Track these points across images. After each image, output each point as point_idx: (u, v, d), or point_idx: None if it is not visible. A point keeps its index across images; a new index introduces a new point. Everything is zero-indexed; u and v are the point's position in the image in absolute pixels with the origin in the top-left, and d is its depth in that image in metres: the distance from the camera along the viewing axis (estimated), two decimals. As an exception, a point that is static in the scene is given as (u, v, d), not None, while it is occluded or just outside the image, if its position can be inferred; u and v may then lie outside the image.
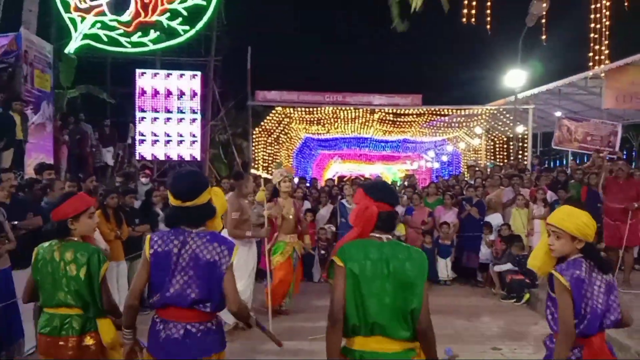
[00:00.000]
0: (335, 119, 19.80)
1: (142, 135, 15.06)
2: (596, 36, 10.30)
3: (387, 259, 2.47)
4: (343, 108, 17.99)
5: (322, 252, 9.47)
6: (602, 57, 10.68)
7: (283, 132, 20.44)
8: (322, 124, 20.38)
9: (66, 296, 3.04)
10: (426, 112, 18.31)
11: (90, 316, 3.08)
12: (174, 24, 15.20)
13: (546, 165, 17.35)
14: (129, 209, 7.10)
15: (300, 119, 19.53)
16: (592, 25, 10.23)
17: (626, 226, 7.60)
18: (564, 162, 25.14)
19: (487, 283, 8.91)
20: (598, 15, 10.44)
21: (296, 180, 14.68)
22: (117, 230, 6.55)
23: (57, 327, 3.06)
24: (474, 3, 10.53)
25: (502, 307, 7.54)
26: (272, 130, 19.46)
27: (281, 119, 19.08)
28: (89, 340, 3.07)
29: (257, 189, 6.57)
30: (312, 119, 19.55)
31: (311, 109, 18.17)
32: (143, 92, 14.99)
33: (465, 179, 12.77)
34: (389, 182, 3.70)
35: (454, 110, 18.96)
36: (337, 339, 2.49)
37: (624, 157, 16.76)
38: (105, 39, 15.09)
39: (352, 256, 2.48)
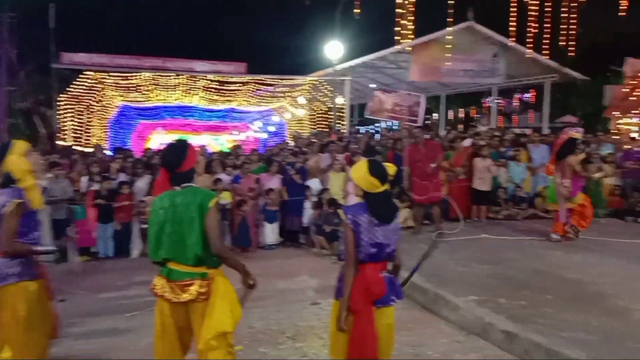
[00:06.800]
0: (155, 86, 18.66)
1: None
2: (403, 12, 11.05)
3: (175, 204, 3.24)
4: (163, 74, 17.01)
5: (144, 226, 8.94)
6: (408, 32, 11.51)
7: (95, 100, 18.63)
8: (140, 91, 19.01)
9: None
10: (251, 80, 18.23)
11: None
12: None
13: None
14: None
15: (115, 85, 17.98)
16: (399, 0, 10.94)
17: (432, 185, 8.76)
18: (379, 130, 27.27)
19: (308, 244, 9.30)
20: (404, -9, 11.21)
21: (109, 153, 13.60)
22: None
23: None
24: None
25: (320, 266, 7.92)
26: (82, 97, 17.61)
27: (92, 84, 17.35)
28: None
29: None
30: (128, 85, 18.11)
31: (127, 74, 16.84)
32: None
33: (289, 147, 13.12)
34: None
35: (278, 80, 19.19)
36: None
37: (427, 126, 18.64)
38: None
39: (153, 206, 3.34)
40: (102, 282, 7.26)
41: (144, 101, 20.68)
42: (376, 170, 3.27)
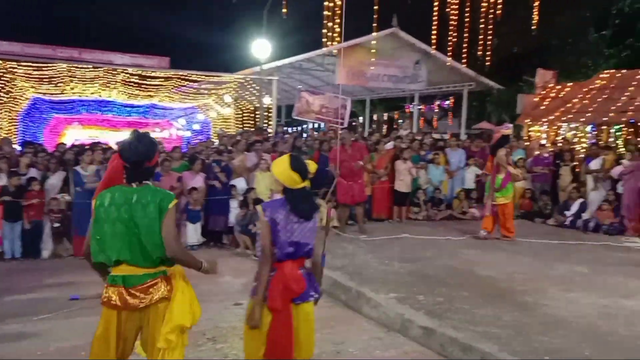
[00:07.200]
0: (71, 78, 17.62)
1: None
2: (330, 14, 11.16)
3: (129, 202, 2.91)
4: (79, 66, 16.08)
5: (56, 224, 8.46)
6: (335, 35, 11.64)
7: (4, 91, 17.32)
8: (54, 82, 17.86)
9: None
10: (174, 76, 17.69)
11: None
12: None
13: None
14: None
15: (27, 75, 16.80)
16: (327, 3, 11.04)
17: (357, 186, 8.98)
18: (306, 131, 27.41)
19: (232, 244, 9.16)
20: (331, -5, 11.32)
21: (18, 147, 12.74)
22: None
23: None
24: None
25: (244, 266, 7.81)
26: (-11, 88, 16.36)
27: (1, 74, 16.15)
28: None
29: None
30: (41, 77, 16.96)
31: (40, 65, 15.79)
32: None
33: (214, 145, 12.89)
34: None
35: (203, 77, 18.77)
36: (91, 267, 3.06)
37: (352, 128, 18.94)
38: None
39: (101, 202, 2.94)
40: (8, 284, 6.77)
41: (59, 94, 19.47)
42: (297, 165, 3.22)
